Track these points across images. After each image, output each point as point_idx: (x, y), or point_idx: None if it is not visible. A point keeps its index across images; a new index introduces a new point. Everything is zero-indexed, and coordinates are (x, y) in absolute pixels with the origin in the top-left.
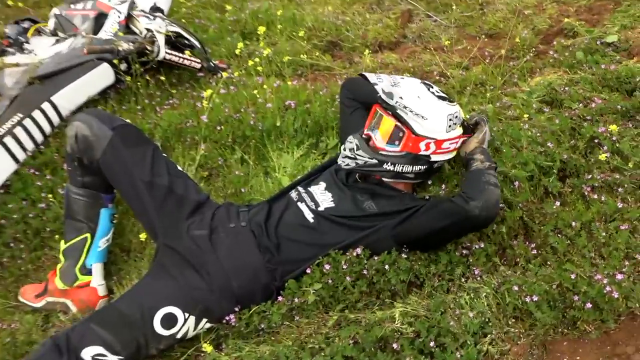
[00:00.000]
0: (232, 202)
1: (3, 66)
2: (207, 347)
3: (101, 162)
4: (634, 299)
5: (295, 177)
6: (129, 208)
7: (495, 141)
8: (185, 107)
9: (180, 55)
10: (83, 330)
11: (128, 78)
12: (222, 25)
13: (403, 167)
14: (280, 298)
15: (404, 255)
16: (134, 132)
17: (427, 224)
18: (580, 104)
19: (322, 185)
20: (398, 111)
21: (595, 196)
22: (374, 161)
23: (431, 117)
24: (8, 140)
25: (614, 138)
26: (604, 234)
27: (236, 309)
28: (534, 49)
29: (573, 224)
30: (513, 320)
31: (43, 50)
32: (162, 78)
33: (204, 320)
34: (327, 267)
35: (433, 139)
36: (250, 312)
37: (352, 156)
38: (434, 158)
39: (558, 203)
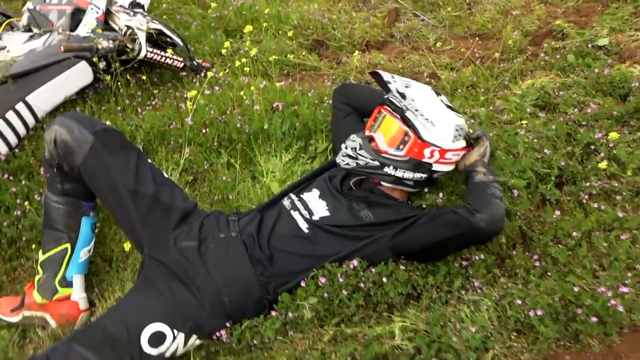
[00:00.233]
0: (222, 211)
1: None
2: None
3: (82, 169)
4: (637, 311)
5: (285, 182)
6: (110, 215)
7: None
8: (168, 108)
9: (162, 53)
10: (65, 351)
11: (107, 77)
12: (204, 22)
13: (404, 172)
14: (273, 312)
15: (401, 267)
16: (117, 137)
17: (428, 235)
18: (575, 109)
19: (316, 192)
20: (407, 113)
21: (594, 204)
22: (376, 163)
23: (440, 124)
24: None
25: (610, 144)
26: (604, 243)
27: (227, 324)
28: (523, 51)
29: (574, 233)
30: (515, 334)
31: (16, 47)
32: (144, 77)
33: (194, 336)
34: (322, 280)
35: (438, 147)
36: (242, 327)
37: (354, 156)
38: (435, 167)
39: (558, 212)
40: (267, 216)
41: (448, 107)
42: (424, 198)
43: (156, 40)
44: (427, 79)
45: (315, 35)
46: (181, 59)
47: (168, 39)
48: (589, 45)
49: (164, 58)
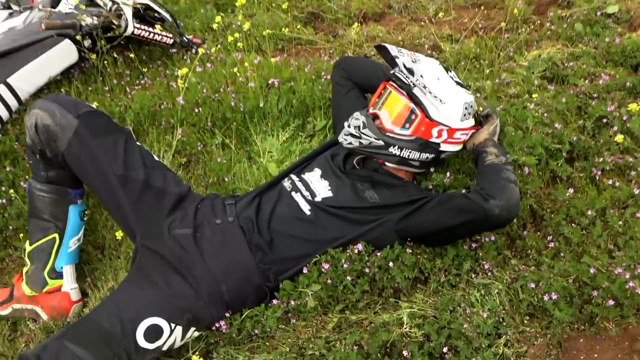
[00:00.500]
0: (217, 194)
1: None
2: (196, 359)
3: (66, 155)
4: None
5: (282, 163)
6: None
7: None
8: (159, 87)
9: (150, 29)
10: (56, 348)
11: (93, 56)
12: None
13: (410, 152)
14: (274, 301)
15: (408, 250)
16: (103, 120)
17: (437, 219)
18: (586, 81)
19: (317, 172)
20: (414, 90)
21: (607, 181)
22: (380, 143)
23: (449, 102)
24: None
25: (624, 117)
26: (619, 222)
27: (227, 314)
28: (528, 21)
29: (588, 212)
30: (528, 318)
31: None
32: (132, 55)
33: (192, 329)
34: (325, 266)
35: (447, 126)
36: (243, 316)
37: (357, 134)
38: (443, 147)
39: (572, 190)
40: (266, 198)
41: (458, 83)
42: (431, 178)
43: (143, 15)
44: (429, 51)
45: (310, 7)
46: (170, 35)
47: (156, 14)
48: (598, 13)
49: (152, 34)
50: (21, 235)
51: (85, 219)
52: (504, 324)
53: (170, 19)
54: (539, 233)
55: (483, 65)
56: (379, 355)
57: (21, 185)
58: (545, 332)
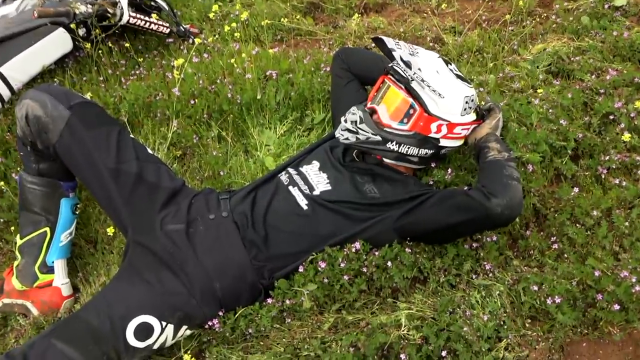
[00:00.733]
0: (212, 189)
1: None
2: (188, 358)
3: (57, 147)
4: None
5: (280, 157)
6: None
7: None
8: (154, 77)
9: (147, 18)
10: (43, 346)
11: (88, 45)
12: None
13: (409, 148)
14: (269, 299)
15: (407, 250)
16: (95, 111)
17: (437, 217)
18: (592, 76)
19: (316, 164)
20: (413, 84)
21: (613, 180)
22: (378, 138)
23: (448, 96)
24: None
25: (632, 114)
26: (626, 223)
27: (220, 313)
28: (533, 13)
29: (593, 212)
30: (529, 321)
31: None
32: (127, 45)
33: (184, 327)
34: (322, 264)
35: (446, 121)
36: (236, 315)
37: (354, 130)
38: (442, 143)
39: (576, 189)
40: (262, 193)
41: (458, 76)
42: (432, 174)
43: (139, 4)
44: (431, 44)
45: None
46: (167, 25)
47: (152, 3)
48: (605, 6)
49: (148, 24)
50: (12, 228)
51: (77, 213)
52: (505, 327)
53: (166, 7)
54: (542, 233)
55: (486, 59)
56: (375, 357)
57: (13, 177)
58: (548, 336)
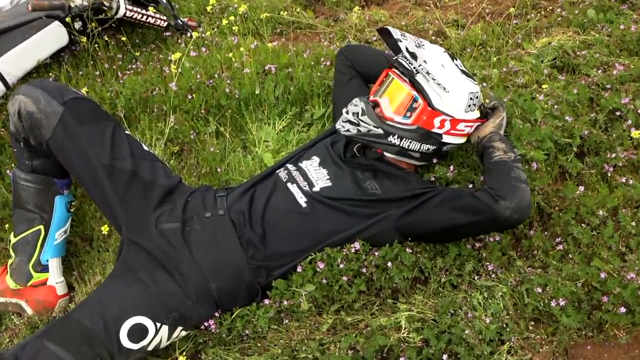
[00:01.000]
0: (210, 186)
1: None
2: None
3: (51, 143)
4: None
5: (279, 153)
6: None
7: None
8: (151, 72)
9: (144, 12)
10: (36, 348)
11: (84, 39)
12: None
13: (410, 143)
14: (266, 300)
15: (407, 250)
16: (90, 107)
17: (441, 218)
18: (599, 71)
19: (316, 160)
20: (417, 77)
21: (620, 178)
22: (379, 131)
23: (453, 90)
24: None
25: (639, 111)
26: (632, 222)
27: (216, 314)
28: (537, 6)
29: (599, 211)
30: (533, 324)
31: None
32: (124, 39)
33: (179, 328)
34: (320, 265)
35: (450, 116)
36: (233, 316)
37: (356, 121)
38: (445, 139)
39: (582, 187)
40: (260, 190)
41: (463, 72)
42: (433, 170)
43: None
44: (433, 37)
45: None
46: (164, 18)
47: None
48: None
49: (145, 17)
50: (6, 225)
51: (72, 210)
52: (508, 329)
53: (164, 0)
54: (546, 233)
55: (490, 53)
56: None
57: (7, 174)
58: (551, 339)
